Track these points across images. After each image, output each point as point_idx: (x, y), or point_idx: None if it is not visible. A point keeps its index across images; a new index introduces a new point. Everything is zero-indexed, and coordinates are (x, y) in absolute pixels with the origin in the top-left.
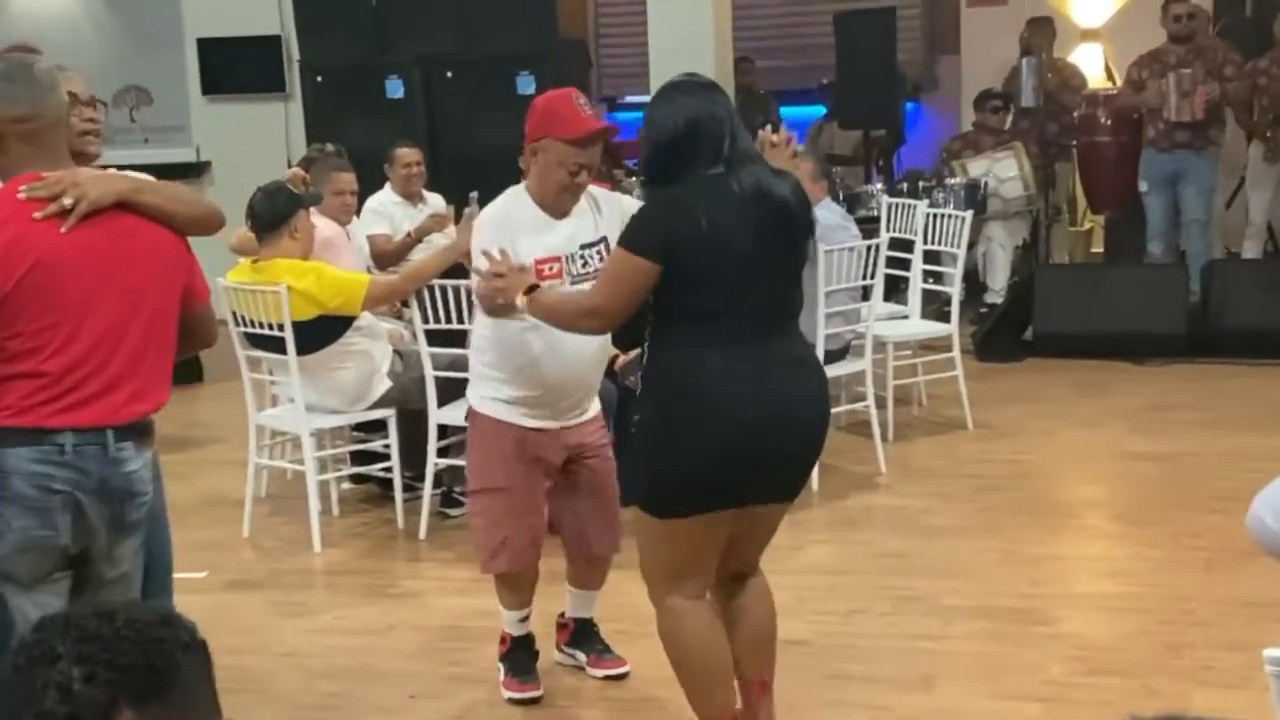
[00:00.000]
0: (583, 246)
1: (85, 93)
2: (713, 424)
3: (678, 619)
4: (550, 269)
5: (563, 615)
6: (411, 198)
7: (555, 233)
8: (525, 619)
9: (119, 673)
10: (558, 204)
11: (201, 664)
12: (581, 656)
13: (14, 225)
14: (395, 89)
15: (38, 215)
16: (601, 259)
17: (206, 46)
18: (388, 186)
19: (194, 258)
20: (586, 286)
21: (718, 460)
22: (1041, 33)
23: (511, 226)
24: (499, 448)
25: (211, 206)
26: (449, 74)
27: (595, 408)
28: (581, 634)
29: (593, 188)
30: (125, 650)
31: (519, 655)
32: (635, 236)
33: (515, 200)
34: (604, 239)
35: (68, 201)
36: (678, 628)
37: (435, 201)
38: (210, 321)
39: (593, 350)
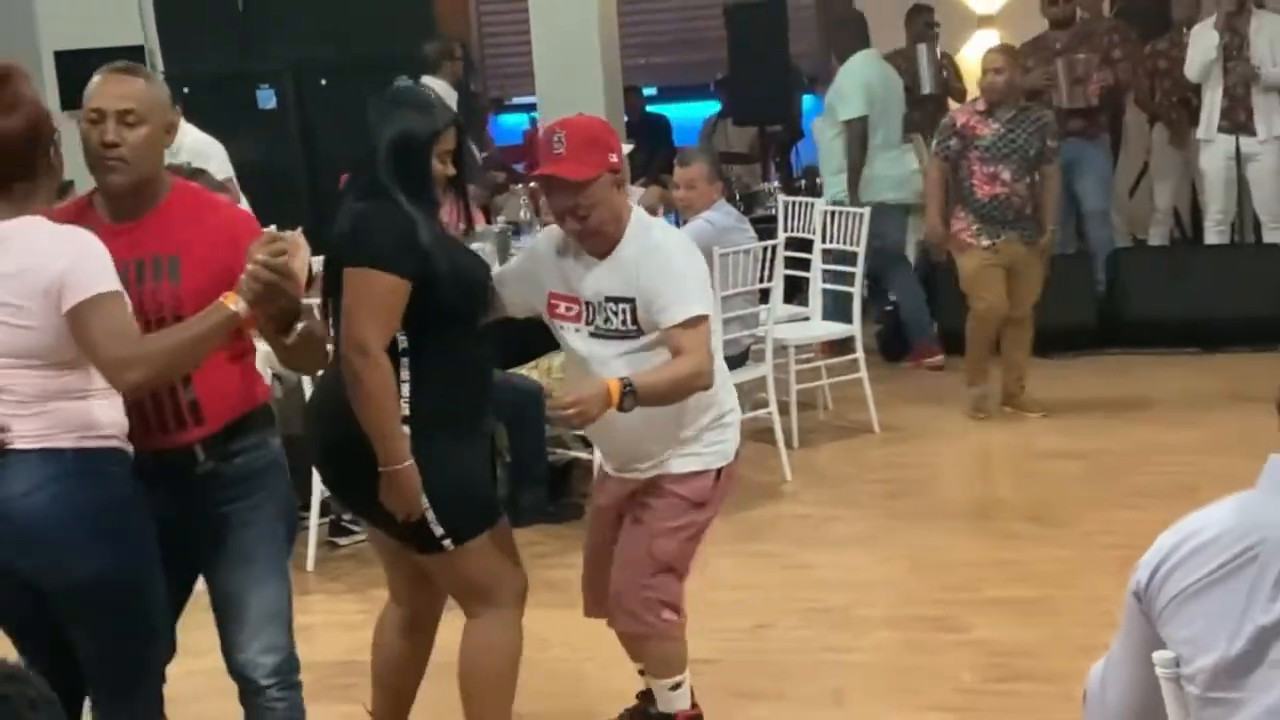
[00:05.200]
0: (608, 300)
1: None
2: None
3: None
4: (566, 309)
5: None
6: None
7: (585, 273)
8: (642, 672)
9: None
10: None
11: None
12: None
13: None
14: (267, 99)
15: None
16: (624, 320)
17: (65, 60)
18: None
19: None
20: (615, 346)
21: None
22: (924, 21)
23: (548, 258)
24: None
25: None
26: (323, 81)
27: (668, 469)
28: None
29: (646, 234)
30: None
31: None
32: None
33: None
34: (633, 300)
35: None
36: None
37: None
38: None
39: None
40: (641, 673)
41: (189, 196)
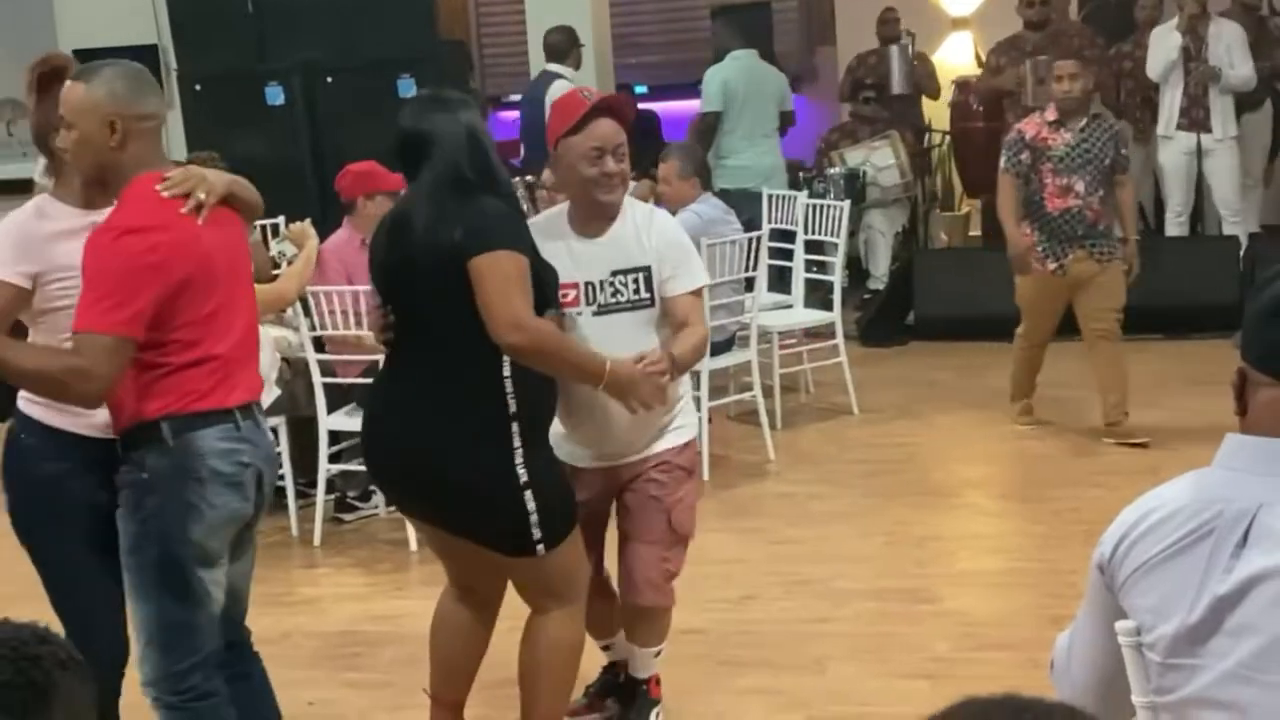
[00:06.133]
0: (615, 273)
1: None
2: None
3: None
4: (564, 295)
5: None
6: None
7: (585, 254)
8: (606, 648)
9: None
10: (595, 211)
11: (81, 681)
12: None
13: (176, 225)
14: (275, 96)
15: (184, 210)
16: (638, 289)
17: (82, 58)
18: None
19: None
20: (627, 319)
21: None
22: (894, 22)
23: (539, 249)
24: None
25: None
26: (329, 79)
27: (664, 444)
28: (628, 691)
29: (646, 210)
30: (2, 668)
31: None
32: (516, 236)
33: (554, 218)
34: (647, 268)
35: (202, 195)
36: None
37: None
38: None
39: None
40: (605, 648)
41: (127, 197)
